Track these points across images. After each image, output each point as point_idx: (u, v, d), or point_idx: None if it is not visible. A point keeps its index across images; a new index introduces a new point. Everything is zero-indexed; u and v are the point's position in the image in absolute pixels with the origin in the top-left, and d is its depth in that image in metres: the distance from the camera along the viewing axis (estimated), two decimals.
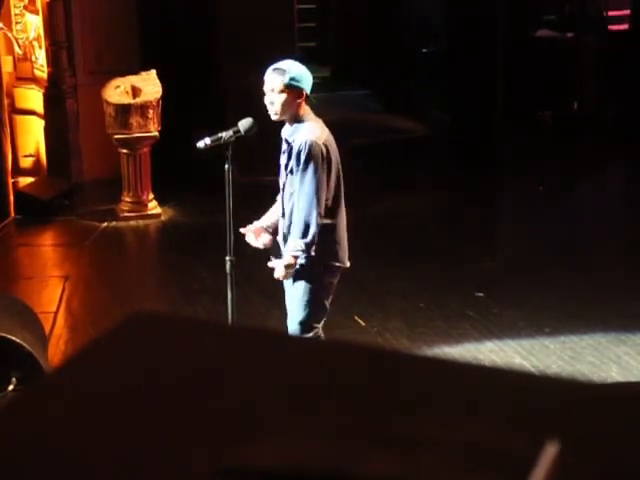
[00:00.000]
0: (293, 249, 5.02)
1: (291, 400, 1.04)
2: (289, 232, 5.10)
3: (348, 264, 5.18)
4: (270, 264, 5.18)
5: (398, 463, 0.90)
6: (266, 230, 5.24)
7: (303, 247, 4.99)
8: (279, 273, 5.11)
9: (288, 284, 5.20)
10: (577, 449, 0.95)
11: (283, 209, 5.15)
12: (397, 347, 6.30)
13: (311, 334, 5.15)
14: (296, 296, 5.15)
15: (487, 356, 6.22)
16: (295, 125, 5.00)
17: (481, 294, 7.19)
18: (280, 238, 5.25)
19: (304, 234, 4.98)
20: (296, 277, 5.10)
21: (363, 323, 6.64)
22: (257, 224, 5.29)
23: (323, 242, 5.05)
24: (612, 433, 0.99)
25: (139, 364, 1.14)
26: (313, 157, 4.91)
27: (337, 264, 5.11)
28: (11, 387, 4.93)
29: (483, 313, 6.87)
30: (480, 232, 8.92)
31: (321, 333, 5.24)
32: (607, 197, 10.70)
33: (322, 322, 5.22)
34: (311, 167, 4.92)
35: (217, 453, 0.94)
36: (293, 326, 5.18)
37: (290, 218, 5.08)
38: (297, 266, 5.07)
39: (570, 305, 6.96)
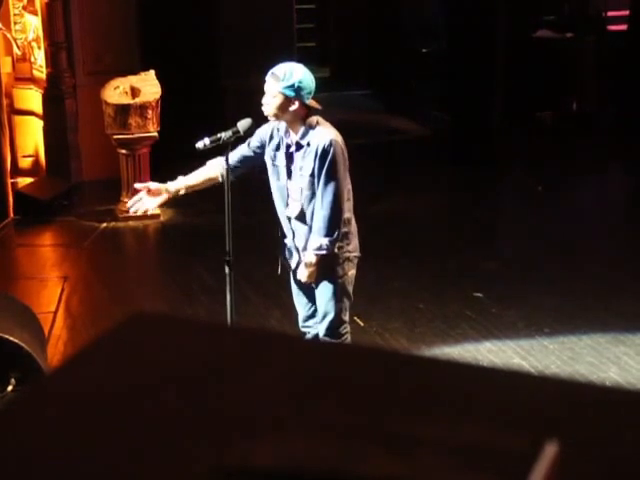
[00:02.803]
0: (318, 248, 5.07)
1: (291, 400, 1.04)
2: (310, 233, 5.13)
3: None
4: (298, 272, 5.21)
5: (398, 463, 0.90)
6: (166, 191, 5.37)
7: (328, 245, 5.05)
8: (304, 274, 5.15)
9: (305, 284, 5.24)
10: (577, 449, 0.95)
11: (303, 211, 5.15)
12: (396, 347, 6.30)
13: (341, 328, 5.25)
14: (326, 293, 5.20)
15: (486, 356, 6.22)
16: (305, 129, 5.02)
17: (480, 294, 7.19)
18: (290, 240, 5.26)
19: (330, 232, 5.03)
20: (325, 275, 5.15)
21: (362, 323, 6.64)
22: (161, 185, 5.44)
23: (343, 236, 5.13)
24: (612, 433, 0.99)
25: (139, 364, 1.14)
26: (336, 157, 4.96)
27: (356, 254, 5.22)
28: (10, 387, 4.93)
29: (482, 313, 6.87)
30: (480, 232, 8.92)
31: (348, 325, 5.34)
32: (607, 197, 10.70)
33: (348, 313, 5.33)
34: (335, 167, 4.97)
35: (217, 453, 0.94)
36: (324, 324, 5.24)
37: (312, 220, 5.11)
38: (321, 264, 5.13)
39: (569, 305, 6.95)
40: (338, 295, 5.19)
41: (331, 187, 4.99)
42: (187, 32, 9.95)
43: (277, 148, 5.15)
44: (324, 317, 5.24)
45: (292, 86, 4.96)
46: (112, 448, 0.97)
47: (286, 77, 4.98)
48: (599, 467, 0.94)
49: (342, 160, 5.00)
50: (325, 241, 5.04)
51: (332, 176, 4.98)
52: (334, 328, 5.22)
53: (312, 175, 5.04)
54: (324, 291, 5.21)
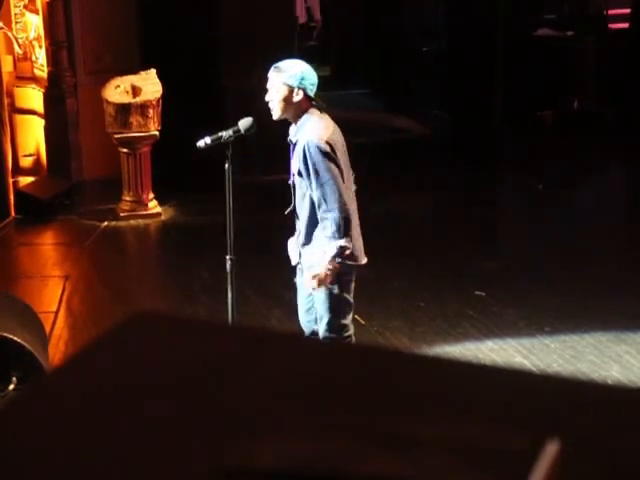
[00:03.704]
0: (331, 254, 4.95)
1: (291, 400, 1.04)
2: (307, 233, 5.08)
3: (364, 261, 5.17)
4: (306, 276, 5.10)
5: (398, 463, 0.90)
6: None
7: (341, 247, 4.94)
8: (317, 281, 5.03)
9: (306, 286, 5.21)
10: (577, 449, 0.95)
11: (296, 211, 5.14)
12: (397, 346, 6.30)
13: (341, 332, 5.19)
14: (319, 299, 5.15)
15: (487, 355, 6.22)
16: (299, 125, 4.99)
17: (482, 293, 7.18)
18: (295, 239, 5.24)
19: (339, 234, 4.93)
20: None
21: (363, 322, 6.63)
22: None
23: None
24: (613, 433, 0.99)
25: (139, 364, 1.14)
26: (321, 158, 4.87)
27: (351, 262, 5.09)
28: (11, 387, 4.93)
29: (483, 312, 6.87)
30: (480, 232, 8.92)
31: (351, 328, 5.27)
32: (607, 197, 10.70)
33: (350, 318, 5.25)
34: (322, 168, 4.88)
35: (217, 453, 0.94)
36: (322, 327, 5.19)
37: (306, 220, 5.06)
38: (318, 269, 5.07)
39: (570, 304, 6.95)
40: (331, 300, 5.11)
41: (325, 191, 4.90)
42: (187, 32, 9.94)
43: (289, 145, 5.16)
44: (321, 319, 5.21)
45: (295, 75, 4.95)
46: (112, 448, 0.97)
47: (288, 68, 4.98)
48: (599, 467, 0.94)
49: (329, 161, 4.89)
50: (342, 242, 4.94)
51: (321, 180, 4.89)
52: (332, 331, 5.16)
53: (300, 175, 5.00)
54: (318, 296, 5.16)
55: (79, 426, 1.02)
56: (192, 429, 0.99)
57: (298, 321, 5.47)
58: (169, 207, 9.48)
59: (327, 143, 4.92)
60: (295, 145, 5.01)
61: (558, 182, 10.27)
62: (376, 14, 13.31)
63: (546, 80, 12.21)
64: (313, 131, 4.94)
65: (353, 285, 5.20)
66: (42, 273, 8.10)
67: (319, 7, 13.96)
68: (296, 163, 4.99)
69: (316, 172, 4.89)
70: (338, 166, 4.96)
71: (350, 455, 0.91)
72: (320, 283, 5.05)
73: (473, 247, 8.30)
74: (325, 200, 4.93)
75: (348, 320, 5.24)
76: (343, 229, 4.95)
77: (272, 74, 5.01)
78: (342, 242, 4.95)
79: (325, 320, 5.16)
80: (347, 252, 4.98)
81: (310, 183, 4.94)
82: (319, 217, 4.99)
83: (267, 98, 5.02)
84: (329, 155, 4.91)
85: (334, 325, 5.17)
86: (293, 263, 5.29)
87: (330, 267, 4.99)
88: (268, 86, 5.03)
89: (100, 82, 9.27)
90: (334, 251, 4.96)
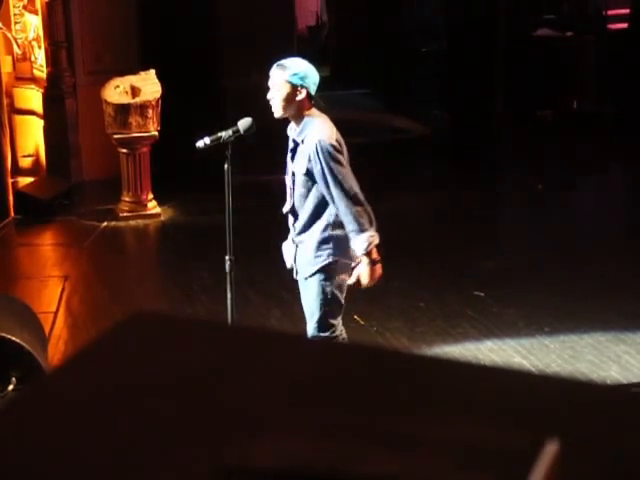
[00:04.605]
0: (362, 248, 4.94)
1: (291, 400, 1.04)
2: (303, 231, 5.09)
3: None
4: (354, 277, 5.09)
5: (397, 462, 0.90)
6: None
7: (370, 239, 4.93)
8: (367, 278, 5.03)
9: (303, 284, 5.19)
10: (577, 449, 0.95)
11: (295, 210, 5.13)
12: (397, 346, 6.30)
13: (329, 332, 5.16)
14: (311, 295, 5.13)
15: (487, 355, 6.22)
16: (303, 124, 4.98)
17: (481, 293, 7.18)
18: (289, 241, 5.23)
19: (364, 226, 4.92)
20: (310, 277, 5.09)
21: (363, 322, 6.63)
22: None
23: (334, 239, 5.04)
24: (612, 433, 0.99)
25: (139, 364, 1.14)
26: (332, 156, 4.89)
27: (349, 261, 5.10)
28: (11, 387, 4.93)
29: (483, 312, 6.87)
30: (480, 231, 8.91)
31: (341, 328, 5.25)
32: (607, 197, 10.70)
33: (339, 318, 5.22)
34: (334, 166, 4.89)
35: (217, 453, 0.94)
36: (311, 325, 5.17)
37: (308, 218, 5.05)
38: (313, 266, 5.07)
39: (570, 304, 6.95)
40: (323, 298, 5.09)
41: (338, 188, 4.90)
42: (188, 31, 9.95)
43: (288, 144, 5.14)
44: (311, 317, 5.19)
45: (298, 74, 4.93)
46: (112, 448, 0.97)
47: (292, 66, 4.97)
48: (599, 467, 0.94)
49: (339, 159, 4.92)
50: (363, 238, 4.93)
51: (334, 178, 4.89)
52: (321, 329, 5.13)
53: (306, 174, 5.00)
54: (310, 293, 5.14)
55: (79, 426, 1.02)
56: (192, 429, 0.99)
57: (299, 321, 5.46)
58: (168, 207, 9.48)
59: (337, 142, 4.95)
60: (298, 144, 5.00)
61: (558, 182, 10.27)
62: (380, 14, 13.31)
63: (546, 80, 12.22)
64: (323, 131, 4.95)
65: (347, 285, 5.17)
66: (42, 273, 8.10)
67: (326, 9, 14.00)
68: (301, 162, 4.98)
69: (331, 170, 4.89)
70: (344, 164, 5.00)
71: (350, 455, 0.91)
72: (372, 279, 5.04)
73: (473, 247, 8.30)
74: (343, 197, 4.91)
75: (337, 320, 5.19)
76: (367, 221, 4.94)
77: (275, 71, 4.99)
78: (369, 233, 4.94)
79: (315, 318, 5.13)
80: (376, 241, 4.97)
81: (324, 182, 4.92)
82: (340, 215, 4.98)
83: (269, 96, 5.00)
84: (340, 154, 4.94)
85: (323, 324, 5.14)
86: (288, 266, 5.28)
87: (367, 262, 4.98)
88: (270, 84, 5.00)
89: (99, 82, 9.27)
90: (364, 244, 4.94)
